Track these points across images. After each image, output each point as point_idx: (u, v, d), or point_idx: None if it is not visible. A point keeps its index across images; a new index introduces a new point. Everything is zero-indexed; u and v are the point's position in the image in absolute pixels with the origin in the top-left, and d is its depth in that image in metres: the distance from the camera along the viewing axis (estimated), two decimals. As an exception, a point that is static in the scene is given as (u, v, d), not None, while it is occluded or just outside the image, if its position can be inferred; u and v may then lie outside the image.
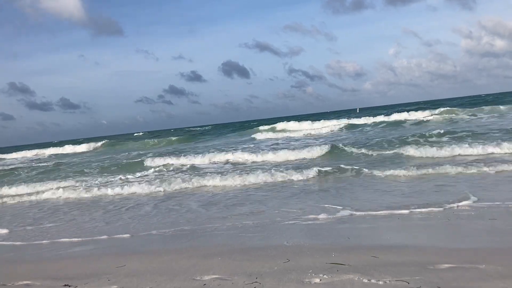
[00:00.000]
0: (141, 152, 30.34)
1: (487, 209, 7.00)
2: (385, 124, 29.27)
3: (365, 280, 4.22)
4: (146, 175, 16.84)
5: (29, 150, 46.98)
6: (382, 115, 35.47)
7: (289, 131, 33.97)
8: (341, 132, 29.23)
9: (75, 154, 38.69)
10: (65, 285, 5.02)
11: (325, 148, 17.59)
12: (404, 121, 29.55)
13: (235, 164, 17.66)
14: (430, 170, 11.07)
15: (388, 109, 62.82)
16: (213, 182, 13.26)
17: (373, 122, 31.35)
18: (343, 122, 34.38)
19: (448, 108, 34.26)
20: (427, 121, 28.50)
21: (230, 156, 19.27)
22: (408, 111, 36.40)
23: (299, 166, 14.82)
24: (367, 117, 34.89)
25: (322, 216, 7.64)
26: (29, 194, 15.05)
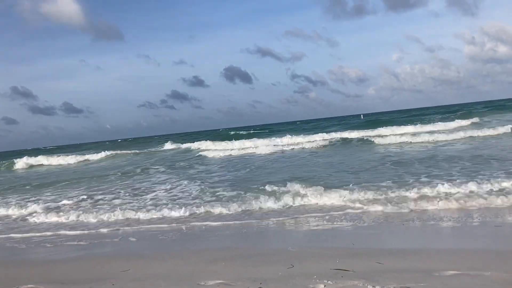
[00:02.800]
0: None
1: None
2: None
3: (370, 286, 4.21)
4: None
5: None
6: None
7: (206, 150, 26.85)
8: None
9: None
10: (70, 289, 5.03)
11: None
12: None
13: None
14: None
15: (395, 114, 60.73)
16: None
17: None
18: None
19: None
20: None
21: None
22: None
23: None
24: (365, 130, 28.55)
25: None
26: None
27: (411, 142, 20.24)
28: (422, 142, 19.92)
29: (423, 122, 32.80)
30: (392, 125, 30.50)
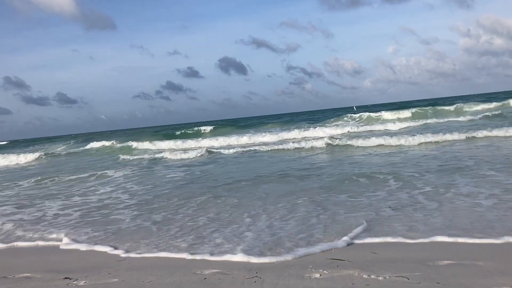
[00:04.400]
0: None
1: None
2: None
3: (365, 276, 4.24)
4: None
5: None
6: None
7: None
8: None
9: None
10: (66, 277, 5.03)
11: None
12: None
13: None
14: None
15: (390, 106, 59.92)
16: None
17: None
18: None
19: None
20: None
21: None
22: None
23: None
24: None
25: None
26: None
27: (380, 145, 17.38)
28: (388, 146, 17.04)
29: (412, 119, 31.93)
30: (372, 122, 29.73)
